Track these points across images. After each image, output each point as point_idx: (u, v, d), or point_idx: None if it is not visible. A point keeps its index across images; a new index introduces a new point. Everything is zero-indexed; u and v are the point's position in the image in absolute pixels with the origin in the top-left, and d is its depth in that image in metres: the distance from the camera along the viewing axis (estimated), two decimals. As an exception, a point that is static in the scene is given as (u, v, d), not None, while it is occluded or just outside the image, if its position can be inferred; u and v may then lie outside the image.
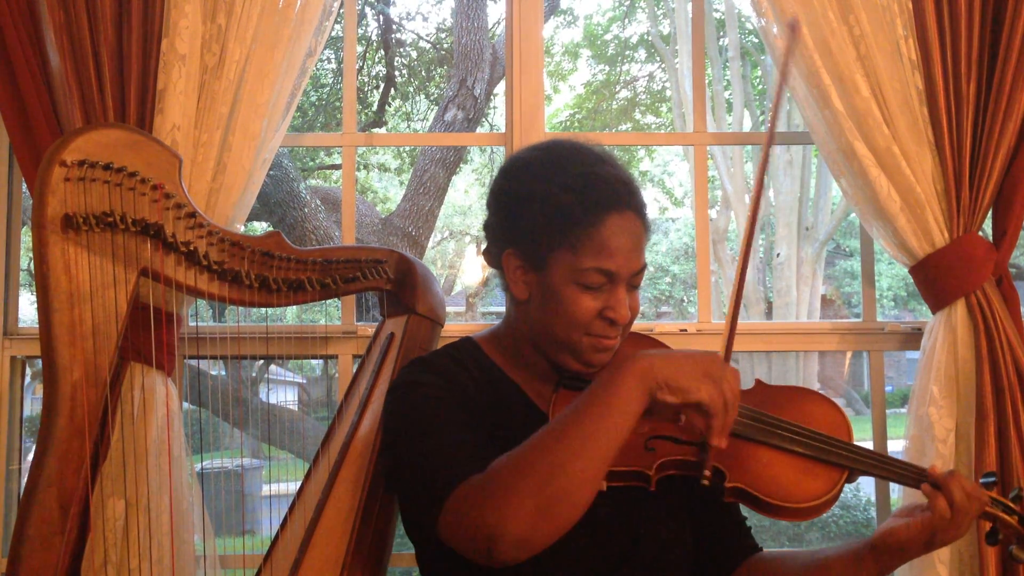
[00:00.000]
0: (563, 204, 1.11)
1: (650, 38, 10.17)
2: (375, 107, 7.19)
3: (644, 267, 1.16)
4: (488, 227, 1.24)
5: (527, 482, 0.93)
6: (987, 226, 1.70)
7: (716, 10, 8.84)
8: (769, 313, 9.17)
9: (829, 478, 1.09)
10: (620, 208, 1.13)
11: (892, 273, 11.87)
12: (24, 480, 1.24)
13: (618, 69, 11.01)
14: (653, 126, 11.07)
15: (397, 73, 7.14)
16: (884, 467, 1.14)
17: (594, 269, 1.11)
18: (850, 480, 1.11)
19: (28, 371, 2.13)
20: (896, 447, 1.73)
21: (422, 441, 1.08)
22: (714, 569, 1.26)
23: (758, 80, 10.07)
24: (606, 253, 1.10)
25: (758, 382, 1.23)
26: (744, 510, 1.24)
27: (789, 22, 1.17)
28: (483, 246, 1.25)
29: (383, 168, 9.30)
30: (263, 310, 1.47)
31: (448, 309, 2.07)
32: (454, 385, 1.17)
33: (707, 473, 1.01)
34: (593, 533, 1.11)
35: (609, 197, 1.12)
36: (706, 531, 1.25)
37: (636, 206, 1.15)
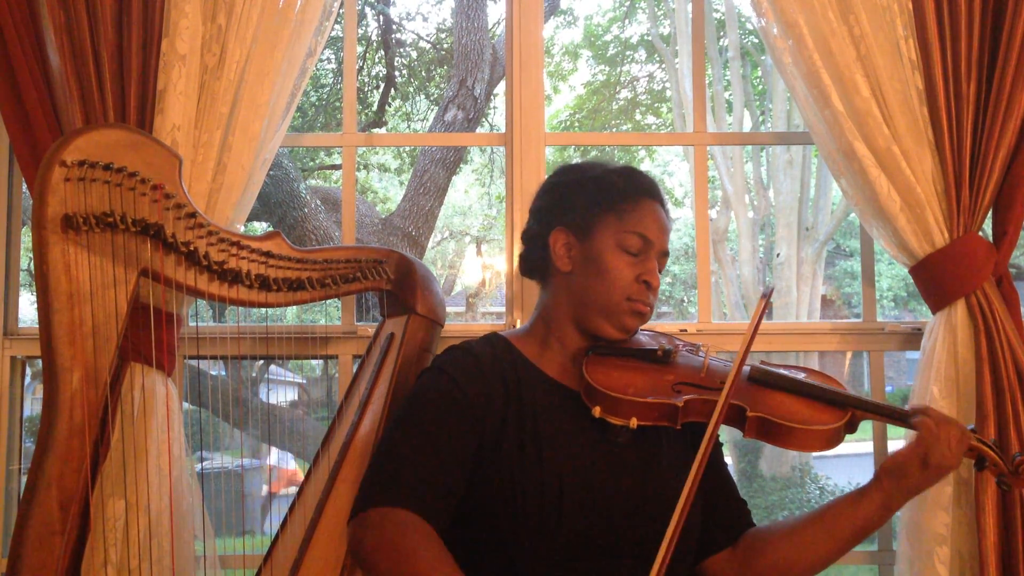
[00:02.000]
0: (612, 183, 1.34)
1: (650, 38, 10.17)
2: (375, 107, 7.19)
3: (668, 254, 1.36)
4: (530, 228, 1.40)
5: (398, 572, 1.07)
6: (987, 226, 1.70)
7: (716, 10, 8.85)
8: (769, 313, 9.17)
9: (835, 414, 1.24)
10: (656, 199, 1.36)
11: (892, 273, 11.87)
12: (24, 480, 1.23)
13: (618, 69, 11.01)
14: (653, 126, 11.07)
15: (397, 73, 7.14)
16: (879, 407, 1.27)
17: (635, 233, 1.30)
18: (851, 427, 1.25)
19: (28, 371, 2.13)
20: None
21: (403, 436, 1.21)
22: (716, 539, 1.33)
23: (758, 80, 10.07)
24: (644, 224, 1.31)
25: (762, 361, 1.37)
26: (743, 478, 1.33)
27: (763, 290, 1.30)
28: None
29: (383, 168, 9.30)
30: (263, 310, 1.48)
31: (448, 309, 2.07)
32: (473, 381, 1.25)
33: None
34: (614, 468, 1.23)
35: (649, 187, 1.36)
36: (709, 503, 1.33)
37: (665, 206, 1.38)
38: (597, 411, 1.20)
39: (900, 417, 1.26)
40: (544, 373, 1.31)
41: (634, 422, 1.19)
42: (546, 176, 1.45)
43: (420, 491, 1.15)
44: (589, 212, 1.32)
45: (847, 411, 1.24)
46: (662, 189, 1.38)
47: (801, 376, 1.30)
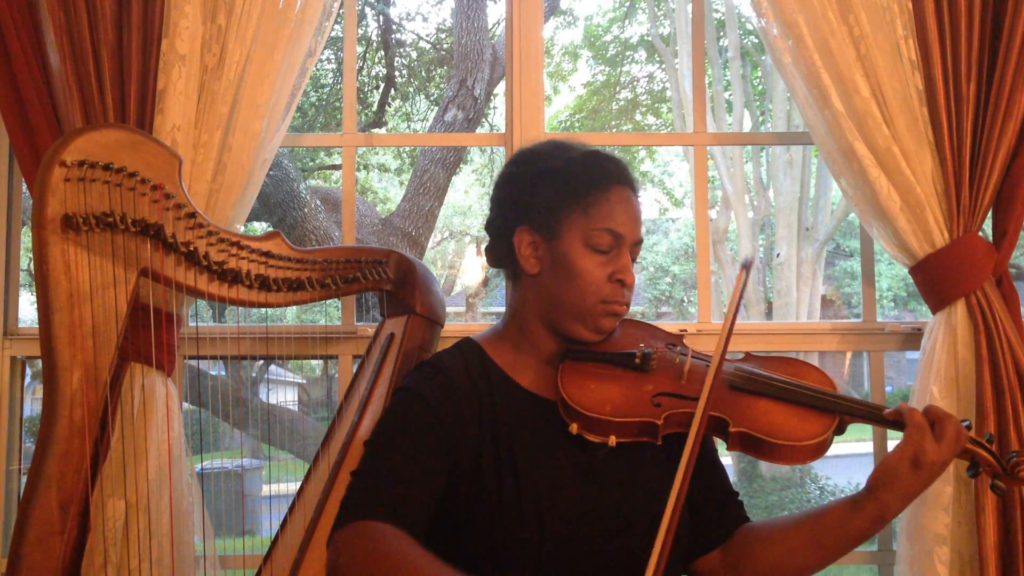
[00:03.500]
0: (575, 174, 1.24)
1: (650, 38, 10.18)
2: (375, 107, 7.19)
3: (642, 241, 1.28)
4: (493, 220, 1.32)
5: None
6: (987, 226, 1.70)
7: (716, 10, 8.86)
8: (769, 313, 9.18)
9: (822, 422, 1.18)
10: (623, 182, 1.26)
11: (892, 273, 11.88)
12: (24, 480, 1.23)
13: (618, 70, 11.02)
14: (653, 126, 11.09)
15: (397, 73, 7.14)
16: (868, 410, 1.20)
17: (604, 229, 1.22)
18: (840, 430, 1.19)
19: (28, 371, 2.13)
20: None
21: (377, 457, 1.17)
22: (707, 539, 1.28)
23: (758, 80, 10.08)
24: (614, 217, 1.23)
25: (747, 354, 1.32)
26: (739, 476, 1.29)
27: (743, 261, 1.25)
28: (483, 246, 1.29)
29: (383, 168, 9.31)
30: (263, 310, 1.47)
31: (448, 309, 2.07)
32: (444, 397, 1.20)
33: None
34: (593, 483, 1.19)
35: (614, 172, 1.26)
36: (699, 502, 1.27)
37: (634, 187, 1.29)
38: (574, 428, 1.16)
39: (886, 421, 1.19)
40: (518, 385, 1.26)
41: (612, 440, 1.14)
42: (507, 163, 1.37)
43: (396, 504, 1.11)
44: (552, 209, 1.23)
45: (835, 417, 1.18)
46: (631, 171, 1.30)
47: (784, 378, 1.23)
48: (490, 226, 1.33)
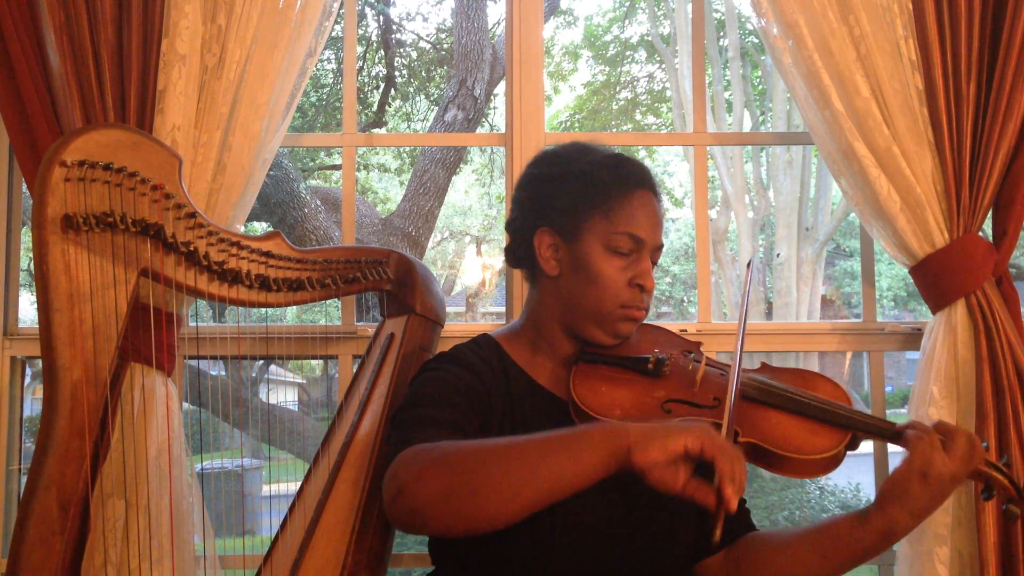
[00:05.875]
0: (598, 176, 1.23)
1: (650, 38, 10.18)
2: (375, 107, 7.20)
3: (663, 247, 1.27)
4: (514, 220, 1.32)
5: (452, 466, 0.97)
6: (987, 226, 1.70)
7: (716, 10, 8.86)
8: (769, 313, 9.18)
9: (834, 437, 1.16)
10: (647, 187, 1.26)
11: (892, 273, 11.88)
12: (24, 480, 1.23)
13: (618, 70, 11.03)
14: (653, 126, 11.09)
15: (397, 73, 7.14)
16: (882, 427, 1.18)
17: (625, 233, 1.21)
18: (852, 446, 1.17)
19: (28, 371, 2.13)
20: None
21: (411, 410, 1.16)
22: (711, 543, 1.27)
23: (758, 80, 10.09)
24: (636, 221, 1.22)
25: (763, 364, 1.30)
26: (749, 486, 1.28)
27: (749, 261, 1.26)
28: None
29: (383, 168, 9.32)
30: (263, 310, 1.47)
31: (448, 309, 2.08)
32: (472, 376, 1.21)
33: (717, 533, 0.97)
34: (608, 495, 1.17)
35: (638, 175, 1.26)
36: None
37: (656, 192, 1.28)
38: None
39: (898, 438, 1.17)
40: (535, 382, 1.26)
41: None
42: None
43: (443, 429, 1.10)
44: (574, 211, 1.23)
45: (847, 433, 1.16)
46: (654, 176, 1.29)
47: (798, 391, 1.21)
48: (510, 226, 1.33)
